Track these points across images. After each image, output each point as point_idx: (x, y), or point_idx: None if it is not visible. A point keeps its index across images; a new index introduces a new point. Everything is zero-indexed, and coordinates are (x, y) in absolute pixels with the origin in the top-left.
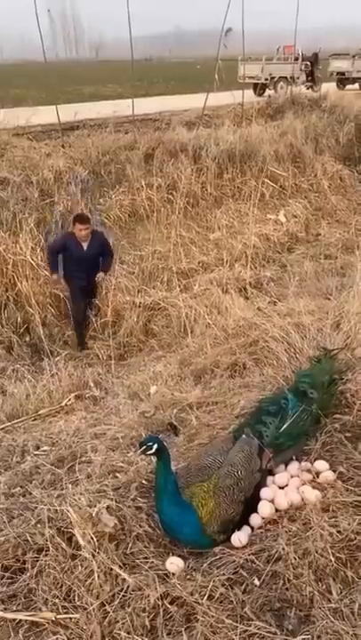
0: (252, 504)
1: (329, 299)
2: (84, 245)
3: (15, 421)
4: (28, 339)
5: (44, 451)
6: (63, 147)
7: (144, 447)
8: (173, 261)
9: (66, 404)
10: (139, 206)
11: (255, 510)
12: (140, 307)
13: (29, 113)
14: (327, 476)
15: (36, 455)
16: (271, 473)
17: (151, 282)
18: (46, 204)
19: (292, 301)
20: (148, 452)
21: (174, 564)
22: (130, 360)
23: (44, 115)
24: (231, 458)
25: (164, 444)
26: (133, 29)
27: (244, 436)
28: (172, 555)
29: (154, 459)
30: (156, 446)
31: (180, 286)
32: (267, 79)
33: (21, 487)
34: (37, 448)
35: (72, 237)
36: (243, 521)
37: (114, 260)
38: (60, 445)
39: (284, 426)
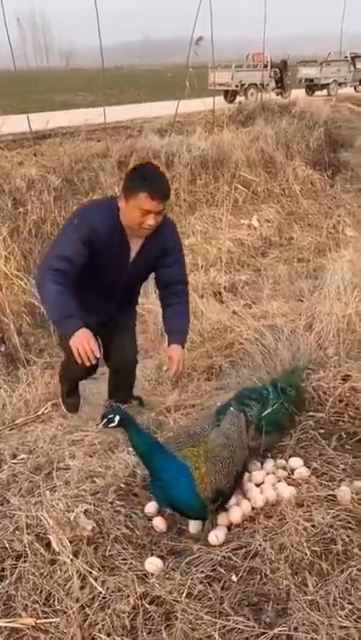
0: (236, 481)
1: (302, 300)
2: (134, 248)
3: None
4: (3, 348)
5: (22, 459)
6: (35, 155)
7: (106, 420)
8: None
9: (43, 413)
10: None
11: (236, 488)
12: None
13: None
14: (301, 472)
15: (13, 464)
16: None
17: None
18: (19, 212)
19: (266, 304)
20: (111, 425)
21: (153, 563)
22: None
23: (15, 123)
24: (225, 430)
25: (129, 414)
26: (103, 38)
27: (231, 408)
28: (152, 555)
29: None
30: (117, 417)
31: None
32: (237, 86)
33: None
34: (14, 457)
35: (110, 225)
36: (230, 496)
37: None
38: (38, 453)
39: (266, 411)
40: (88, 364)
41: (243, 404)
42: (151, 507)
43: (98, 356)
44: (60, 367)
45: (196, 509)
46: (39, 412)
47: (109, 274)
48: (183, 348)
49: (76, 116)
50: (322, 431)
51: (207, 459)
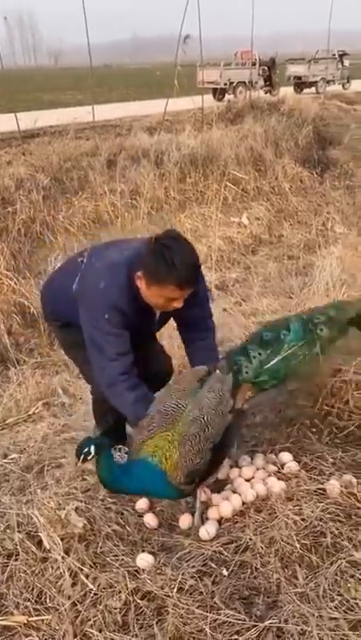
0: (221, 450)
1: (291, 297)
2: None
3: None
4: None
5: (13, 458)
6: (24, 154)
7: (82, 455)
8: None
9: (34, 412)
10: (102, 212)
11: (224, 456)
12: None
13: None
14: (291, 466)
15: (4, 463)
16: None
17: None
18: (8, 212)
19: (256, 301)
20: (90, 457)
21: (144, 559)
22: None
23: (3, 122)
24: (200, 400)
25: (99, 441)
26: (93, 36)
27: (217, 372)
28: (143, 551)
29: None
30: (93, 447)
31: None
32: (226, 84)
33: None
34: (5, 456)
35: (135, 306)
36: (211, 471)
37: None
38: (29, 452)
39: (273, 361)
40: None
41: (244, 352)
42: (142, 503)
43: None
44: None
45: (175, 496)
46: (30, 412)
47: (137, 331)
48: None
49: (65, 114)
50: (311, 426)
51: (180, 442)
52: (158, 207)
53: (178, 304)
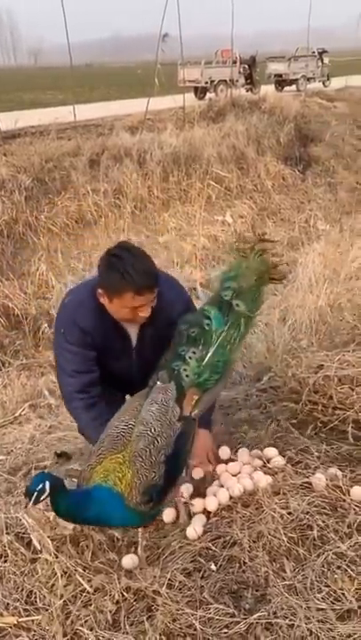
0: (175, 461)
1: (275, 294)
2: (133, 334)
3: None
4: None
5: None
6: (5, 155)
7: (35, 494)
8: None
9: (20, 414)
10: (86, 212)
11: (180, 469)
12: None
13: None
14: (277, 460)
15: None
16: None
17: None
18: None
19: None
20: (43, 497)
21: (130, 560)
22: None
23: None
24: (143, 416)
25: (52, 475)
26: (72, 35)
27: (158, 382)
28: (134, 552)
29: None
30: (48, 484)
31: None
32: (207, 82)
33: None
34: None
35: (99, 325)
36: (168, 485)
37: None
38: (16, 454)
39: (209, 354)
40: None
41: (178, 356)
42: None
43: None
44: None
45: (134, 524)
46: (16, 414)
47: (118, 368)
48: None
49: (46, 114)
50: (296, 421)
51: (131, 461)
52: (142, 206)
53: (144, 312)
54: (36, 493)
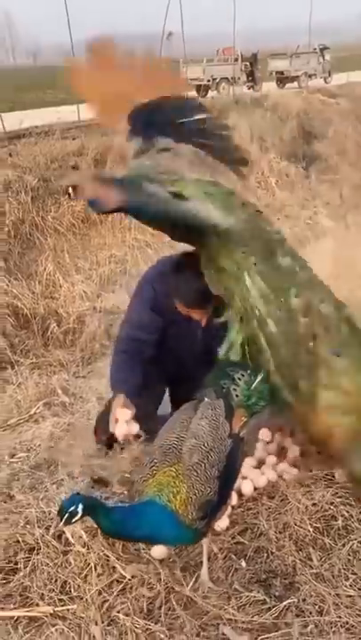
0: (227, 478)
1: None
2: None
3: None
4: None
5: (20, 457)
6: (10, 155)
7: (67, 515)
8: (130, 265)
9: (35, 412)
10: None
11: (231, 486)
12: (100, 312)
13: None
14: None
15: (12, 462)
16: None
17: (109, 286)
18: None
19: None
20: (75, 520)
21: (159, 550)
22: (94, 365)
23: None
24: (194, 429)
25: (86, 496)
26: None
27: (206, 399)
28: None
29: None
30: (81, 506)
31: None
32: (209, 80)
33: (2, 494)
34: (12, 456)
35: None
36: (221, 503)
37: None
38: (37, 451)
39: (257, 380)
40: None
41: (226, 375)
42: None
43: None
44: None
45: (189, 540)
46: (31, 412)
47: (181, 345)
48: None
49: (48, 114)
50: None
51: (185, 475)
52: None
53: (196, 316)
54: (67, 515)
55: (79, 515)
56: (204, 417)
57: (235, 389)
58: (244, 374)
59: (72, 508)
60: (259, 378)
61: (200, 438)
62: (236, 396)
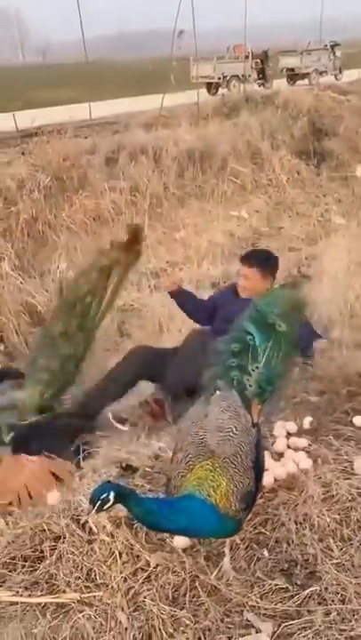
0: (258, 468)
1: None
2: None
3: None
4: (2, 347)
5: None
6: (23, 154)
7: (99, 502)
8: (142, 262)
9: None
10: (103, 210)
11: (262, 475)
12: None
13: None
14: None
15: None
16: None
17: None
18: (10, 212)
19: None
20: (107, 507)
21: (182, 540)
22: (108, 362)
23: (1, 122)
24: (215, 423)
25: (119, 484)
26: (79, 32)
27: (218, 392)
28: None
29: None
30: (113, 494)
31: (150, 287)
32: (219, 78)
33: None
34: None
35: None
36: (258, 491)
37: None
38: None
39: (260, 367)
40: None
41: (236, 367)
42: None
43: None
44: None
45: (230, 532)
46: None
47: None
48: None
49: (60, 112)
50: (331, 409)
51: (223, 468)
52: (158, 203)
53: (240, 281)
54: (99, 502)
55: (111, 502)
56: (223, 410)
57: (247, 380)
58: (248, 363)
59: (104, 496)
60: (260, 366)
61: (226, 431)
62: (250, 385)
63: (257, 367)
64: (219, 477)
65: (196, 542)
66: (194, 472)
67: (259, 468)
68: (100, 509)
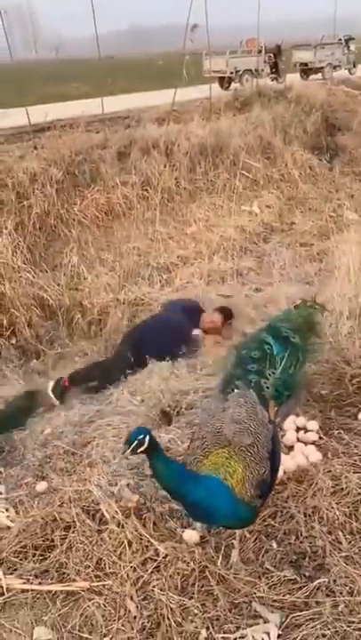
0: (274, 461)
1: (309, 284)
2: None
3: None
4: (14, 341)
5: (53, 443)
6: (35, 148)
7: (135, 443)
8: (153, 257)
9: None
10: (115, 204)
11: (278, 468)
12: (123, 303)
13: None
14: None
15: (44, 448)
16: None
17: (132, 278)
18: (23, 206)
19: (274, 288)
20: (140, 450)
21: (191, 534)
22: None
23: (14, 117)
24: (232, 416)
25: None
26: (91, 27)
27: (236, 391)
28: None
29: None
30: (148, 439)
31: (161, 281)
32: (232, 72)
33: (37, 476)
34: (44, 442)
35: None
36: (273, 482)
37: None
38: (67, 435)
39: (277, 373)
40: None
41: (254, 371)
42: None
43: None
44: None
45: (245, 519)
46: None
47: None
48: None
49: (73, 107)
50: (343, 404)
51: (239, 455)
52: (170, 198)
53: None
54: (136, 442)
55: (145, 444)
56: (240, 405)
57: (265, 382)
58: (266, 369)
59: (140, 437)
60: (278, 372)
61: (242, 423)
62: (267, 387)
63: (273, 372)
64: (235, 464)
65: (207, 533)
66: (210, 458)
67: (275, 460)
68: (134, 451)
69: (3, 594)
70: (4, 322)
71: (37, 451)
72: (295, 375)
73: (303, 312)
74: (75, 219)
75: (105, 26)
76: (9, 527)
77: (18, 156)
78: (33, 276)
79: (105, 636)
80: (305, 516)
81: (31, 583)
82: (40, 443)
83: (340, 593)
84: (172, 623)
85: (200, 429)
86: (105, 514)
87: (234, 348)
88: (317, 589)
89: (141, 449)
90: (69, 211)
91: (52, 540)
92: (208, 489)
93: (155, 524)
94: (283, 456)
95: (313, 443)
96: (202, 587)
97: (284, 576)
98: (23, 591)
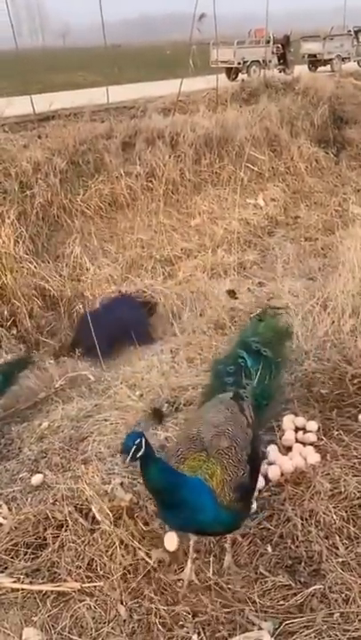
0: (254, 463)
1: (312, 279)
2: None
3: (18, 407)
4: (15, 331)
5: (48, 439)
6: (40, 137)
7: (134, 448)
8: (156, 249)
9: (61, 385)
10: (119, 195)
11: (258, 473)
12: None
13: (2, 104)
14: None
15: (40, 443)
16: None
17: (135, 270)
18: (26, 196)
19: (277, 283)
20: (140, 454)
21: (170, 539)
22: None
23: (18, 106)
24: (211, 421)
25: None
26: (99, 15)
27: (213, 400)
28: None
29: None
30: (143, 439)
31: (164, 274)
32: (239, 63)
33: (31, 471)
34: (41, 437)
35: None
36: (253, 486)
37: None
38: (64, 430)
39: (254, 383)
40: None
41: (224, 383)
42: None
43: None
44: None
45: (226, 524)
46: (56, 385)
47: None
48: None
49: (78, 96)
50: (343, 403)
51: (217, 458)
52: (174, 189)
53: None
54: (134, 447)
55: (143, 447)
56: (218, 411)
57: (243, 392)
58: (243, 380)
59: (137, 441)
60: (255, 382)
61: (220, 426)
62: (246, 397)
63: (249, 383)
64: (213, 466)
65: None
66: (187, 463)
67: (254, 464)
68: (134, 457)
69: None
70: (5, 312)
71: (34, 445)
72: (271, 385)
73: (271, 323)
74: (78, 209)
75: (113, 14)
76: (1, 524)
77: (22, 145)
78: (35, 267)
79: (95, 639)
80: (302, 520)
81: (22, 582)
82: (37, 436)
83: (336, 600)
84: (163, 628)
85: (179, 435)
86: (96, 515)
87: (212, 363)
88: (312, 595)
89: (141, 452)
90: (73, 201)
91: (45, 539)
92: (192, 489)
93: (147, 523)
94: (281, 457)
95: (312, 444)
96: (193, 591)
97: (279, 581)
98: (13, 590)
